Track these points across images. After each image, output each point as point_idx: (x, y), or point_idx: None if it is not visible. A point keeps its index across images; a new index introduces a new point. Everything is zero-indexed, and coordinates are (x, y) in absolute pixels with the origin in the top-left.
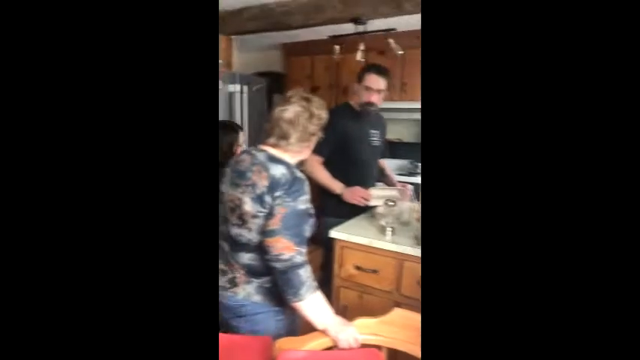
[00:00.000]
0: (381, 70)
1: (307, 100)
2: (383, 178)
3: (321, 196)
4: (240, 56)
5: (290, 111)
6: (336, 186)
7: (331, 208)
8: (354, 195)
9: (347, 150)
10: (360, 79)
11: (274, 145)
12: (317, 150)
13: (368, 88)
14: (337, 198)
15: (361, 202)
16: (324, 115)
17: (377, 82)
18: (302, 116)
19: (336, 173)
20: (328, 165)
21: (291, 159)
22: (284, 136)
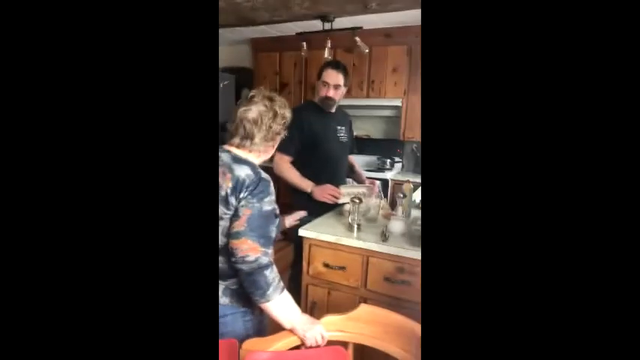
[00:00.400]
0: (338, 66)
1: (270, 99)
2: (352, 174)
3: (291, 194)
4: None
5: (253, 111)
6: (305, 184)
7: (302, 207)
8: (323, 193)
9: (316, 148)
10: (319, 75)
11: (239, 146)
12: (284, 149)
13: (325, 83)
14: (307, 196)
15: (331, 200)
16: (287, 114)
17: (335, 77)
18: (266, 116)
19: (307, 172)
20: (298, 164)
21: (256, 159)
22: (248, 136)
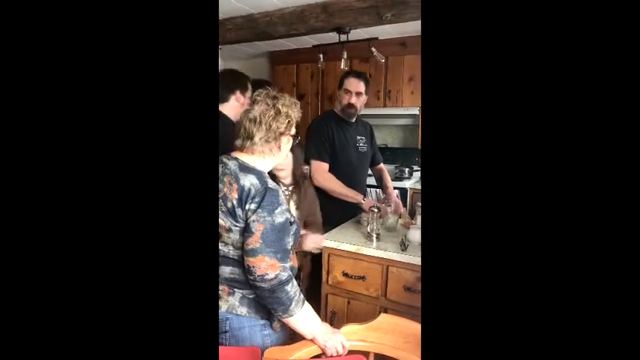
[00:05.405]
0: (358, 74)
1: (274, 98)
2: (381, 185)
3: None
4: (226, 65)
5: (255, 110)
6: (353, 194)
7: (327, 213)
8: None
9: (336, 157)
10: (340, 84)
11: (241, 147)
12: (321, 156)
13: (347, 91)
14: (333, 204)
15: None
16: (292, 112)
17: (356, 84)
18: (267, 114)
19: None
20: None
21: (262, 161)
22: (248, 136)
